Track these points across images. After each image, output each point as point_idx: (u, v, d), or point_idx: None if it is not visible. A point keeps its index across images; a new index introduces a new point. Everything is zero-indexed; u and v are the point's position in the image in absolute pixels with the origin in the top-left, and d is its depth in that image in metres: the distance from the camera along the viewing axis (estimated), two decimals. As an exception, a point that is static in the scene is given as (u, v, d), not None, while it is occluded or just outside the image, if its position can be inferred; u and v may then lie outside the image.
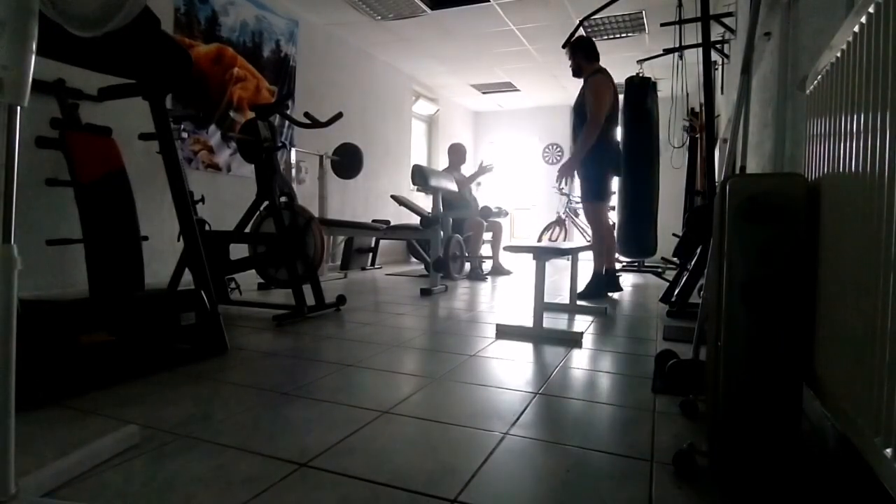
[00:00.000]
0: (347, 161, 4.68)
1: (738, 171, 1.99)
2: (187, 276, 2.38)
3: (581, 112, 3.69)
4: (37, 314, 1.48)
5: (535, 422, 1.38)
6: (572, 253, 3.15)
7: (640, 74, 4.23)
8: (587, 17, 4.19)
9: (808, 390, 1.10)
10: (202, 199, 3.19)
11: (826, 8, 1.35)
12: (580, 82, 3.78)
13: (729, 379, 1.03)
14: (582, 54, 3.79)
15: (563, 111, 8.66)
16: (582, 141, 3.60)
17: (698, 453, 1.11)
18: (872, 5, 0.77)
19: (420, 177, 4.09)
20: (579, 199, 4.06)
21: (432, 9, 4.78)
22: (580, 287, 3.53)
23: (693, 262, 3.00)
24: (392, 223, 5.23)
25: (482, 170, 5.71)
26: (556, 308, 3.24)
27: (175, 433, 1.25)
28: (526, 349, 2.19)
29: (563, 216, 7.65)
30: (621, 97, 3.84)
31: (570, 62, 3.85)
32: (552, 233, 7.52)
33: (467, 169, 5.88)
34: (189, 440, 1.21)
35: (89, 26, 0.99)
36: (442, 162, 7.83)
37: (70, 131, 2.44)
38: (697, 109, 5.50)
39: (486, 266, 5.57)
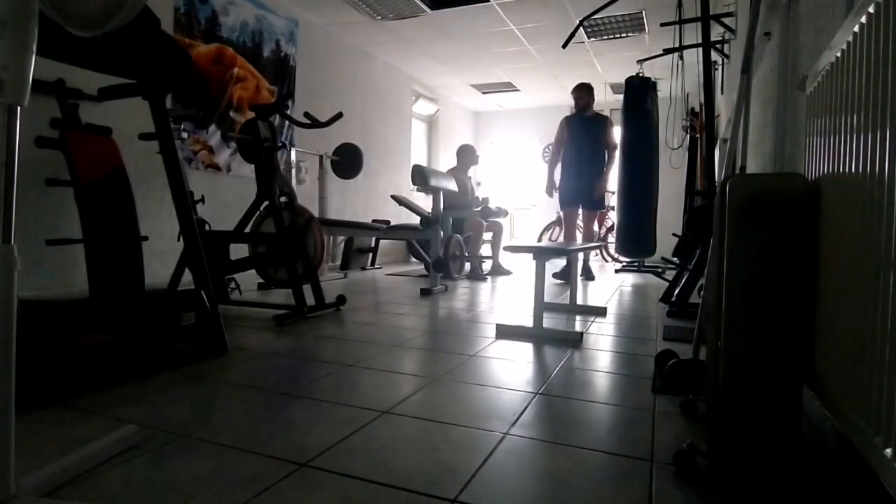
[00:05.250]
0: (347, 161, 4.68)
1: (738, 171, 1.99)
2: (187, 276, 2.38)
3: (601, 142, 4.92)
4: (37, 314, 1.48)
5: (535, 422, 1.38)
6: (572, 253, 3.15)
7: (640, 74, 4.22)
8: (587, 17, 4.19)
9: (808, 390, 1.10)
10: (202, 199, 3.19)
11: (826, 8, 1.35)
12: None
13: (729, 379, 1.03)
14: (593, 96, 5.02)
15: (563, 111, 8.62)
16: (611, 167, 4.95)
17: (698, 453, 1.11)
18: (872, 5, 0.77)
19: (420, 177, 4.09)
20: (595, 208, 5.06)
21: (432, 9, 4.78)
22: (578, 292, 3.55)
23: (693, 262, 3.00)
24: (392, 223, 5.23)
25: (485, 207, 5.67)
26: (556, 308, 3.23)
27: (175, 433, 1.25)
28: (526, 349, 2.19)
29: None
30: (621, 97, 4.13)
31: (580, 99, 5.00)
32: (552, 233, 7.52)
33: (472, 171, 5.92)
34: (189, 440, 1.21)
35: (89, 26, 0.99)
36: (442, 162, 7.84)
37: (70, 131, 2.44)
38: (697, 109, 5.50)
39: (486, 266, 5.57)
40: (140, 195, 2.68)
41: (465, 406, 1.49)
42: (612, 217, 7.34)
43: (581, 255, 4.93)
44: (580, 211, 5.04)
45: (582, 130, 4.94)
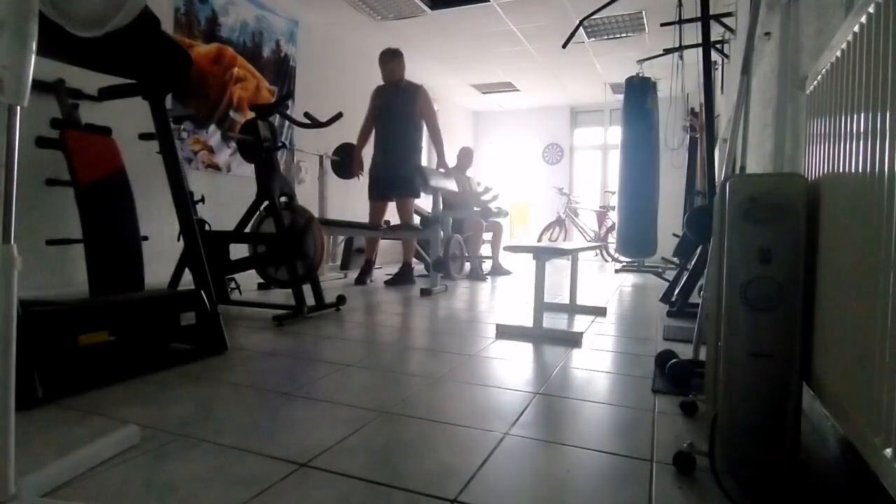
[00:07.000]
0: (347, 161, 4.68)
1: (738, 171, 1.99)
2: (187, 276, 2.38)
3: (408, 115, 4.31)
4: (37, 314, 1.48)
5: (535, 422, 1.38)
6: (572, 253, 3.15)
7: (640, 74, 4.23)
8: (587, 17, 4.19)
9: (808, 390, 1.10)
10: (202, 199, 3.19)
11: (826, 8, 1.35)
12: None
13: (729, 379, 1.03)
14: (396, 63, 4.34)
15: (564, 111, 8.66)
16: (441, 144, 4.46)
17: (698, 453, 1.11)
18: (872, 5, 0.77)
19: (420, 177, 4.08)
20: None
21: (432, 9, 4.78)
22: (578, 292, 3.55)
23: (693, 262, 3.00)
24: (392, 223, 5.23)
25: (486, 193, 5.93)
26: (556, 308, 3.24)
27: (175, 433, 1.25)
28: (526, 349, 2.19)
29: (563, 216, 7.65)
30: (621, 97, 4.04)
31: (383, 66, 4.32)
32: (552, 233, 7.52)
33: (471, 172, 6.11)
34: (189, 440, 1.21)
35: (89, 26, 0.99)
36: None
37: (70, 131, 2.44)
38: (697, 109, 5.51)
39: (486, 266, 5.57)
40: (140, 195, 2.68)
41: (465, 406, 1.49)
42: (613, 217, 7.34)
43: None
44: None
45: (392, 101, 4.32)
